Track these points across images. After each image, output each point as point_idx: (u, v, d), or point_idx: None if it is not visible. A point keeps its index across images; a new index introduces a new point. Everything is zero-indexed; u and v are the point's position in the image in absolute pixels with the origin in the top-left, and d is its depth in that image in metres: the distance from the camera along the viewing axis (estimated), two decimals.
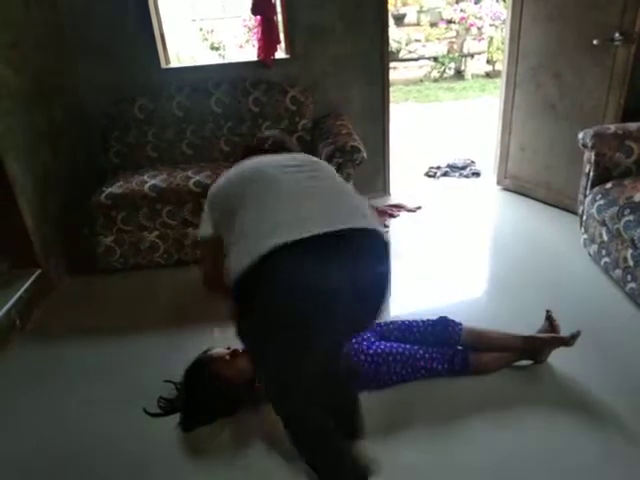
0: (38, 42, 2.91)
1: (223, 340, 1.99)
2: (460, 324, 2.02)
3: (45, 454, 1.80)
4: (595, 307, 2.34)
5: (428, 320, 2.05)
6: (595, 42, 2.78)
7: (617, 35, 2.69)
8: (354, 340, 1.94)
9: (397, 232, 3.26)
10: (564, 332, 1.99)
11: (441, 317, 2.04)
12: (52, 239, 2.81)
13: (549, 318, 2.05)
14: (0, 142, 2.43)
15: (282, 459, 1.70)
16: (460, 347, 1.99)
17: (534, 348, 1.98)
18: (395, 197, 3.75)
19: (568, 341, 1.95)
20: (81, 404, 2.00)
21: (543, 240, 3.00)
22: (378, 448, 1.71)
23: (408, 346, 1.95)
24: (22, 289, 2.49)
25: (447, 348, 1.97)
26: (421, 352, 1.94)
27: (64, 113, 3.12)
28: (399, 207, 3.56)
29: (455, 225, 3.28)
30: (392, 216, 3.45)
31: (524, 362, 2.02)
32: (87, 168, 3.32)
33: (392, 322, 2.07)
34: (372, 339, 1.97)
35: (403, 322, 2.06)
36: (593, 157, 2.58)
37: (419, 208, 3.54)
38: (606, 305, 2.36)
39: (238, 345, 1.92)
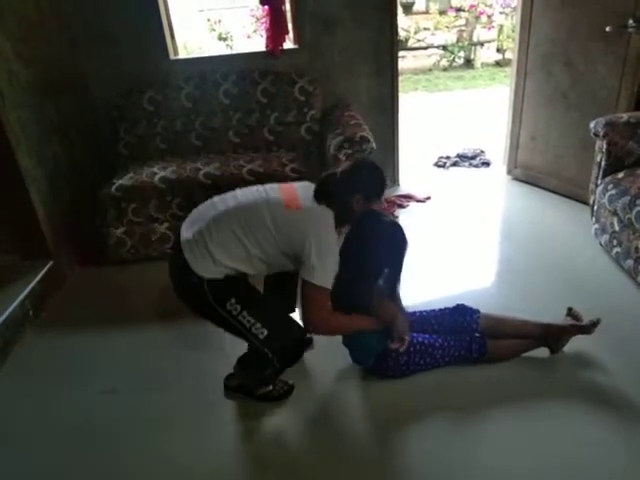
0: (47, 35, 2.92)
1: None
2: (477, 311, 2.02)
3: (68, 440, 1.83)
4: (606, 297, 2.33)
5: (445, 308, 2.05)
6: (608, 29, 2.73)
7: (631, 22, 2.64)
8: None
9: (407, 223, 3.24)
10: None
11: (458, 305, 2.04)
12: (63, 231, 2.84)
13: (571, 314, 2.04)
14: (11, 134, 2.44)
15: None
16: (477, 334, 1.99)
17: (552, 335, 1.98)
18: (404, 187, 3.73)
19: (588, 328, 1.95)
20: (99, 393, 2.03)
21: (554, 230, 2.98)
22: (395, 436, 1.75)
23: (427, 336, 1.95)
24: (35, 280, 2.52)
25: (464, 335, 1.96)
26: (440, 341, 1.94)
27: (74, 105, 3.13)
28: (408, 197, 3.55)
29: (465, 215, 3.27)
30: (401, 207, 3.44)
31: (540, 352, 2.01)
32: (97, 160, 3.34)
33: (410, 314, 2.05)
34: None
35: (421, 313, 2.05)
36: (605, 146, 2.55)
37: (429, 198, 3.53)
38: (617, 295, 2.35)
39: None
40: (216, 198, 1.81)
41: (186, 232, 1.72)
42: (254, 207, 1.69)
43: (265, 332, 1.68)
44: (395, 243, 1.78)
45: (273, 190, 1.76)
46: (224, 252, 1.64)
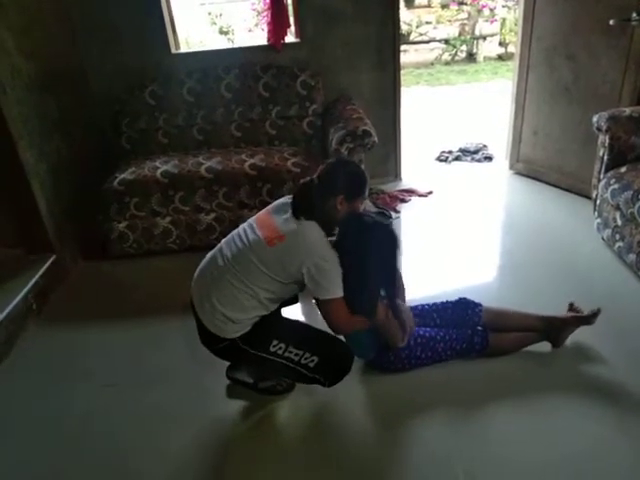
0: (48, 28, 2.91)
1: None
2: (480, 305, 2.02)
3: (69, 435, 1.85)
4: (609, 291, 2.33)
5: (447, 302, 2.05)
6: (611, 22, 2.72)
7: (634, 15, 2.63)
8: None
9: (409, 217, 3.25)
10: None
11: (460, 298, 2.05)
12: (66, 225, 2.84)
13: (573, 309, 2.04)
14: (13, 129, 2.44)
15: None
16: (479, 327, 1.99)
17: (554, 328, 1.98)
18: (407, 182, 3.73)
19: (589, 319, 1.95)
20: (101, 387, 2.04)
21: (556, 224, 2.98)
22: (395, 431, 1.75)
23: (428, 329, 1.96)
24: (38, 274, 2.53)
25: (466, 328, 1.97)
26: (441, 334, 1.94)
27: (75, 100, 3.13)
28: (411, 192, 3.55)
29: (467, 210, 3.27)
30: (403, 201, 3.44)
31: (542, 347, 2.01)
32: (99, 154, 3.34)
33: (411, 308, 2.04)
34: None
35: (422, 307, 2.05)
36: (607, 141, 2.54)
37: (431, 193, 3.53)
38: (620, 289, 2.35)
39: None
40: (208, 256, 1.80)
41: (195, 299, 1.75)
42: (241, 257, 1.66)
43: (315, 359, 1.71)
44: (380, 244, 1.67)
45: (251, 230, 1.70)
46: (237, 310, 1.64)
